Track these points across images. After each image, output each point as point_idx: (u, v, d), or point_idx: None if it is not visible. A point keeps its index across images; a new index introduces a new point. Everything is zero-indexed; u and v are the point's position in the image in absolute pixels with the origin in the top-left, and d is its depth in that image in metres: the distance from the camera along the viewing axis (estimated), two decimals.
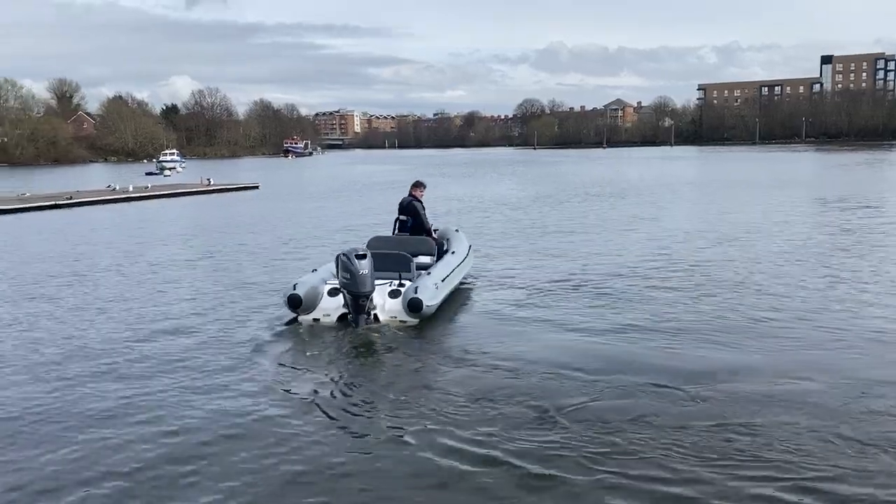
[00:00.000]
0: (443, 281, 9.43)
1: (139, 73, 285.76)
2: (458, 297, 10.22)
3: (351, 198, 31.48)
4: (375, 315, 8.70)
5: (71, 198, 30.15)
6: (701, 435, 5.43)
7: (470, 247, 11.56)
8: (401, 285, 9.01)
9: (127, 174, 60.26)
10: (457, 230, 12.27)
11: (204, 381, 6.88)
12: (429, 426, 5.73)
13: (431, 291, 8.86)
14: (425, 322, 8.71)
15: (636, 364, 7.14)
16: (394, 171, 60.26)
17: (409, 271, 9.41)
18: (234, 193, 36.73)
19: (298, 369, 7.26)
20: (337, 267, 8.46)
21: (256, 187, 39.82)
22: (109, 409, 6.19)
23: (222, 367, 7.31)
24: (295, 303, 8.64)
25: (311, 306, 8.82)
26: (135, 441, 5.53)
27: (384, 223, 17.04)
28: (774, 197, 26.14)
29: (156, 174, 61.77)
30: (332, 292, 8.88)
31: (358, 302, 8.44)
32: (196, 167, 72.73)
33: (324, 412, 6.08)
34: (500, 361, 7.31)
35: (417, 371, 7.22)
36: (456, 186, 37.97)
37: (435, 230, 11.53)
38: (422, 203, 11.16)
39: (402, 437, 5.57)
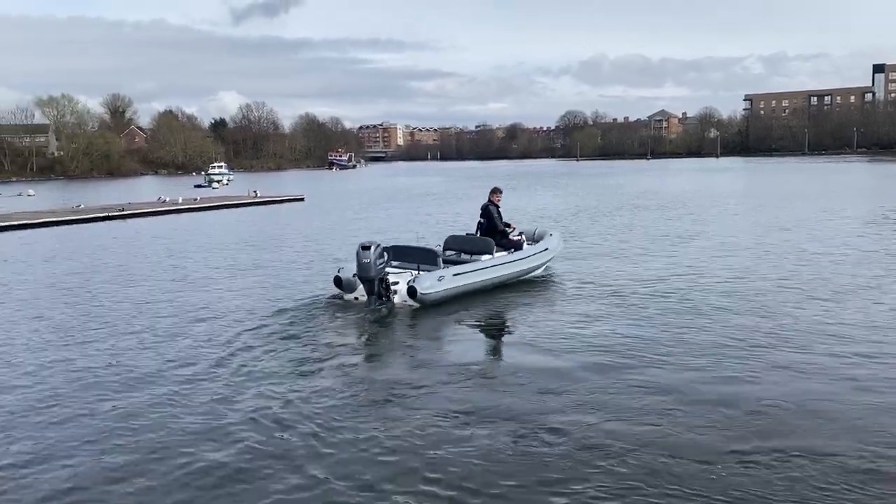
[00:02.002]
0: (454, 276, 10.83)
1: (188, 88, 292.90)
2: (498, 293, 11.35)
3: (395, 208, 31.72)
4: (393, 297, 10.57)
5: (123, 209, 31.02)
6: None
7: (545, 250, 12.75)
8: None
9: (177, 186, 61.72)
10: (551, 234, 13.73)
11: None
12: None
13: (431, 282, 10.47)
14: (437, 308, 10.32)
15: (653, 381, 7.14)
16: (435, 182, 60.54)
17: (434, 264, 11.16)
18: (279, 205, 37.34)
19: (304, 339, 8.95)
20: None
21: (302, 199, 40.40)
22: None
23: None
24: (338, 283, 10.99)
25: (351, 287, 10.87)
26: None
27: (429, 234, 17.12)
28: (829, 210, 25.52)
29: (204, 186, 63.08)
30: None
31: (367, 285, 10.50)
32: (243, 179, 74.13)
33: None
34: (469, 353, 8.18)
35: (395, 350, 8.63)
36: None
37: (520, 232, 13.02)
38: (497, 207, 12.61)
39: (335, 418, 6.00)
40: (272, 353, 8.28)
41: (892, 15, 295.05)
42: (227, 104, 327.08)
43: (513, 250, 12.41)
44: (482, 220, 12.76)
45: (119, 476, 5.25)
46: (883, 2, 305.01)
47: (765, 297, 10.77)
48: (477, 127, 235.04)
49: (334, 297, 11.07)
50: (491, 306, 10.79)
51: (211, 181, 67.72)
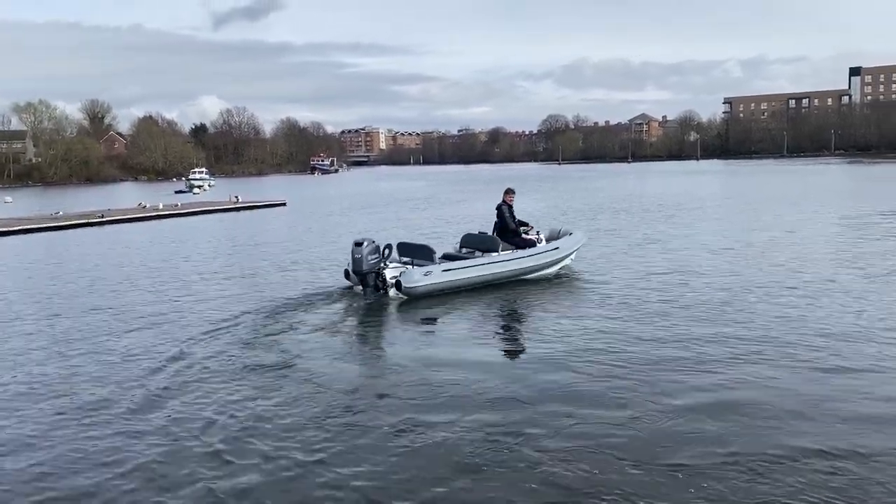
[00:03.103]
0: (443, 271, 11.51)
1: (168, 94, 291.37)
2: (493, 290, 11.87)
3: (378, 213, 31.64)
4: (389, 290, 11.35)
5: (103, 216, 30.69)
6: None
7: (554, 249, 13.06)
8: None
9: (157, 192, 61.18)
10: (570, 234, 14.09)
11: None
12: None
13: (417, 277, 11.22)
14: (426, 302, 11.03)
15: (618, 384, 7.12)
16: (419, 187, 60.51)
17: (431, 260, 11.92)
18: (261, 210, 37.13)
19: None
20: None
21: (284, 204, 40.22)
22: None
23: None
24: (347, 276, 12.06)
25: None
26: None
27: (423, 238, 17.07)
28: (807, 212, 25.78)
29: (185, 192, 62.60)
30: None
31: (360, 278, 11.52)
32: (224, 185, 73.74)
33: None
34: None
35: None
36: (479, 203, 38.03)
37: (537, 231, 13.56)
38: (509, 207, 13.20)
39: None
40: (236, 355, 8.35)
41: (870, 19, 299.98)
42: (208, 109, 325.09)
43: (525, 249, 12.90)
44: (496, 220, 13.36)
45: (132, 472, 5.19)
46: (861, 6, 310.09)
47: (734, 300, 10.84)
48: (459, 131, 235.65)
49: (346, 288, 12.17)
50: (478, 302, 11.16)
51: (192, 187, 67.23)
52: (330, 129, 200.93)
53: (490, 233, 13.33)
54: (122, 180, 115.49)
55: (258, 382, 7.40)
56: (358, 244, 11.36)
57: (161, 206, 35.42)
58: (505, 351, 8.80)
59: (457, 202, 38.73)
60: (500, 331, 9.80)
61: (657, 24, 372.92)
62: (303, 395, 7.02)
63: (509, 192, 13.53)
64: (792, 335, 8.62)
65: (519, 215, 13.70)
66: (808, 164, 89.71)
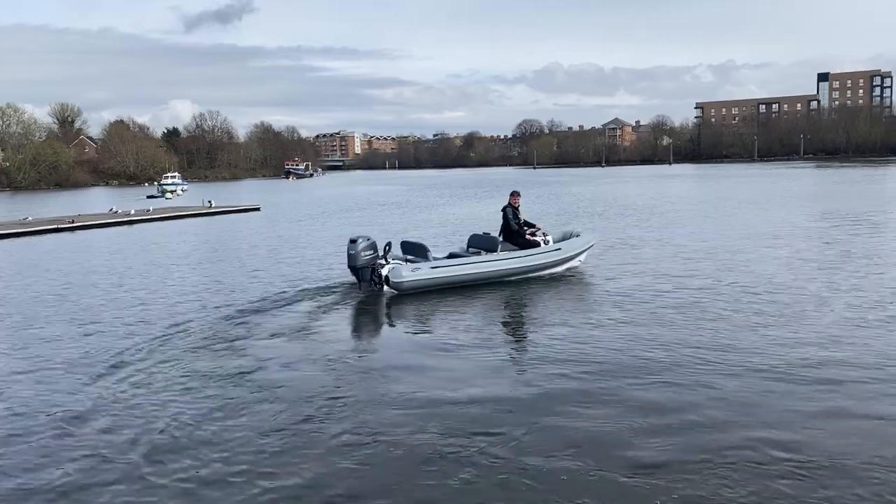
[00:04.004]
0: (431, 268, 12.05)
1: (140, 98, 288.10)
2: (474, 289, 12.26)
3: (353, 217, 31.50)
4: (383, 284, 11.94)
5: (73, 221, 30.21)
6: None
7: (556, 250, 13.45)
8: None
9: (129, 198, 60.43)
10: (577, 236, 14.41)
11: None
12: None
13: (404, 273, 11.80)
14: (415, 297, 11.67)
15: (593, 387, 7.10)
16: (395, 191, 60.38)
17: (425, 258, 12.54)
18: (235, 215, 36.80)
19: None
20: None
21: (258, 209, 39.91)
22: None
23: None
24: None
25: None
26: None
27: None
28: (778, 215, 26.13)
29: (157, 197, 61.89)
30: None
31: (355, 273, 12.25)
32: (197, 190, 72.91)
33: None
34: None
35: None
36: (454, 208, 38.03)
37: (543, 233, 13.85)
38: (513, 209, 13.54)
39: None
40: (187, 362, 8.24)
41: (835, 26, 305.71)
42: (181, 113, 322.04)
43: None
44: (502, 221, 13.77)
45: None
46: (826, 13, 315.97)
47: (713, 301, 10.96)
48: (435, 135, 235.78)
49: (352, 284, 12.80)
50: (466, 301, 11.46)
51: (164, 192, 66.44)
52: (304, 133, 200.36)
53: (497, 234, 13.67)
54: (92, 185, 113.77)
55: (210, 391, 7.27)
56: (353, 241, 12.08)
57: (133, 212, 34.97)
58: (470, 353, 8.54)
59: (434, 206, 38.70)
60: (472, 333, 9.62)
61: (627, 29, 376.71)
62: (254, 401, 6.93)
63: (514, 194, 13.83)
64: (766, 339, 8.74)
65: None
66: (778, 167, 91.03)
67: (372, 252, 12.16)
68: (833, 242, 17.34)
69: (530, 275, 13.15)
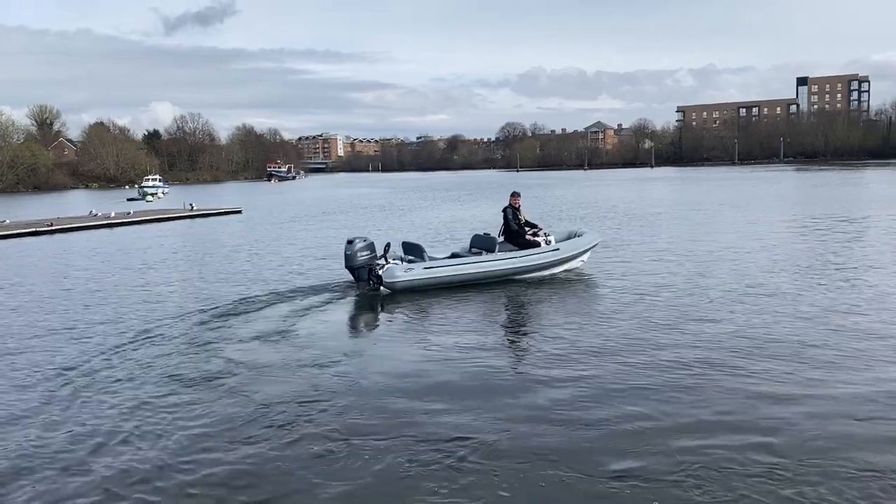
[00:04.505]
0: (424, 269, 12.28)
1: (120, 100, 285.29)
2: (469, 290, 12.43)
3: (335, 220, 31.38)
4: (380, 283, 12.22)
5: (51, 224, 29.85)
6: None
7: (553, 250, 13.51)
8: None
9: (109, 200, 59.82)
10: (578, 236, 14.47)
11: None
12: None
13: (397, 273, 12.09)
14: (408, 296, 11.93)
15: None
16: (378, 194, 60.25)
17: (420, 258, 12.79)
18: (216, 218, 36.54)
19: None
20: None
21: (239, 212, 39.65)
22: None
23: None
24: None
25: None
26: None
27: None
28: (758, 217, 26.37)
29: (138, 199, 61.27)
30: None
31: (352, 272, 12.56)
32: (179, 192, 72.35)
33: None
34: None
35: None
36: (436, 211, 38.01)
37: (541, 231, 13.97)
38: (513, 209, 13.73)
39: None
40: (161, 365, 8.18)
41: (813, 31, 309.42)
42: (161, 115, 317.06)
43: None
44: (503, 222, 13.99)
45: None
46: (804, 18, 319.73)
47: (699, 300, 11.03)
48: (418, 138, 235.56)
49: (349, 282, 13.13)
50: (458, 302, 11.63)
51: (145, 194, 65.81)
52: (287, 135, 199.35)
53: (498, 234, 13.83)
54: (72, 188, 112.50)
55: (174, 398, 7.19)
56: (350, 241, 12.48)
57: (113, 214, 34.61)
58: (449, 357, 8.48)
59: (417, 209, 38.65)
60: (455, 336, 9.54)
61: (609, 34, 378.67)
62: (224, 406, 6.86)
63: (515, 195, 14.01)
64: (744, 340, 8.80)
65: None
66: (758, 171, 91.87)
67: (369, 252, 12.47)
68: (826, 245, 17.51)
69: (526, 275, 13.23)
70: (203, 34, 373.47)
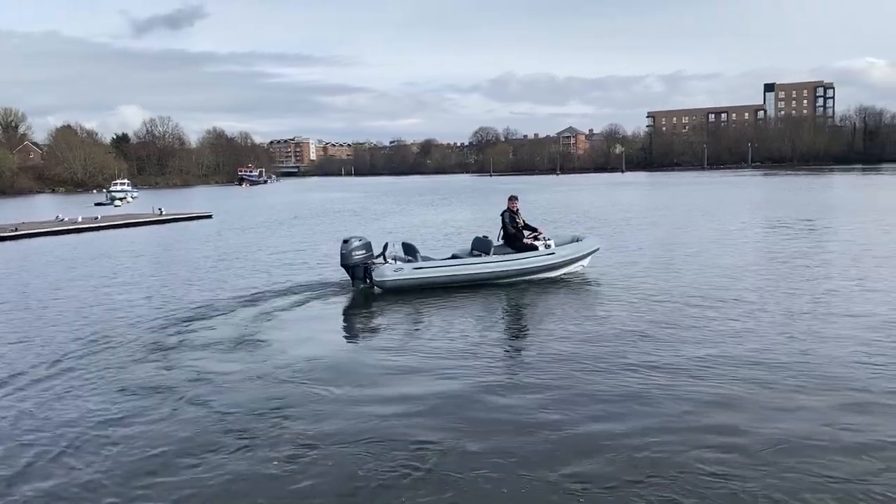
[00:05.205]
0: (414, 269, 12.53)
1: (87, 103, 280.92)
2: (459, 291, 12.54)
3: (309, 225, 31.19)
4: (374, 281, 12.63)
5: (16, 229, 29.28)
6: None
7: (549, 254, 13.56)
8: None
9: (76, 205, 58.83)
10: (577, 240, 14.52)
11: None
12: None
13: (387, 273, 12.43)
14: (400, 295, 12.24)
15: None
16: (351, 198, 60.06)
17: (413, 258, 13.02)
18: (186, 223, 36.13)
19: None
20: None
21: (210, 216, 39.26)
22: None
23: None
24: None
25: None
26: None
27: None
28: (722, 219, 26.73)
29: (106, 204, 60.42)
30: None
31: (347, 271, 12.90)
32: (148, 197, 71.49)
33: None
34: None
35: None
36: (409, 216, 37.98)
37: (540, 235, 14.01)
38: (511, 213, 13.88)
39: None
40: (113, 374, 8.01)
41: (780, 38, 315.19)
42: (130, 119, 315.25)
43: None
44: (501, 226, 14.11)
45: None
46: (771, 25, 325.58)
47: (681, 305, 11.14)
48: (391, 142, 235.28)
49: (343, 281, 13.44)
50: (444, 302, 11.75)
51: (113, 199, 64.83)
52: (258, 139, 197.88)
53: (497, 238, 13.97)
54: (38, 192, 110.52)
55: (128, 403, 7.07)
56: (345, 241, 12.82)
57: (80, 219, 34.06)
58: (425, 361, 8.46)
59: (390, 213, 38.58)
60: (436, 341, 9.47)
61: (579, 40, 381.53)
62: (185, 414, 6.75)
63: (512, 198, 14.12)
64: (741, 347, 8.91)
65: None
66: (727, 175, 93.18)
67: (364, 251, 12.79)
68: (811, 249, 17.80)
69: (520, 278, 13.30)
70: (172, 37, 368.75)
